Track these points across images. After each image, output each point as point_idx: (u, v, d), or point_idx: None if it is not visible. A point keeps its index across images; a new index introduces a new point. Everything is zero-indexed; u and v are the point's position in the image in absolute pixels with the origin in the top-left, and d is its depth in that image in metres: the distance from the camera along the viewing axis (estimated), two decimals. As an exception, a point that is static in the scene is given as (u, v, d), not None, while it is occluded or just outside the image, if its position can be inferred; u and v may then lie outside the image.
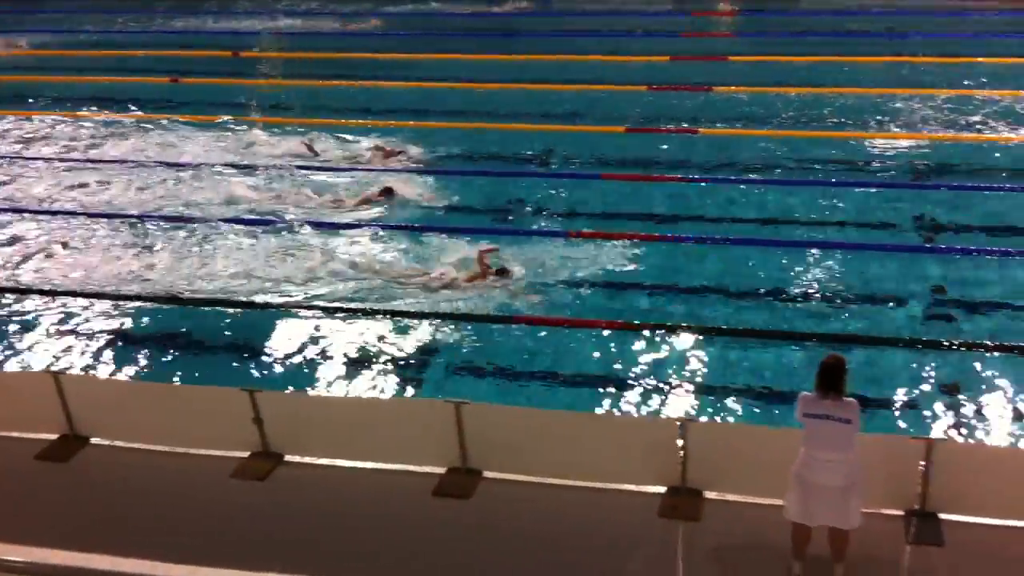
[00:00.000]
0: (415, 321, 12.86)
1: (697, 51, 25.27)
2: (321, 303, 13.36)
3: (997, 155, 17.74)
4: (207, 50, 27.84)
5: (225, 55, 27.28)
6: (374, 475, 9.41)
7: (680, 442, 8.83)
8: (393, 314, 13.02)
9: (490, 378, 11.78)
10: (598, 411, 10.92)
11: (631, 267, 13.90)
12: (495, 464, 9.29)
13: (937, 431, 10.32)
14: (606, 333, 12.33)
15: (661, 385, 11.40)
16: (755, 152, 18.16)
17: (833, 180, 16.82)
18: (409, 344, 12.44)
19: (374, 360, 12.15)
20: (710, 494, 8.85)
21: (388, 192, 16.61)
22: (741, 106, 20.87)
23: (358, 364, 12.11)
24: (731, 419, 10.75)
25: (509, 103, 21.86)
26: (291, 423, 9.68)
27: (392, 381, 11.78)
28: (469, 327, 12.70)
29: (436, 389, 11.45)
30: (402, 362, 12.14)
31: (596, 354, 12.04)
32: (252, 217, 16.13)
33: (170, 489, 9.36)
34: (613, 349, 12.08)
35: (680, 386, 11.37)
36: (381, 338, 12.56)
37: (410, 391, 11.60)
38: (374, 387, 11.68)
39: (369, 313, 13.09)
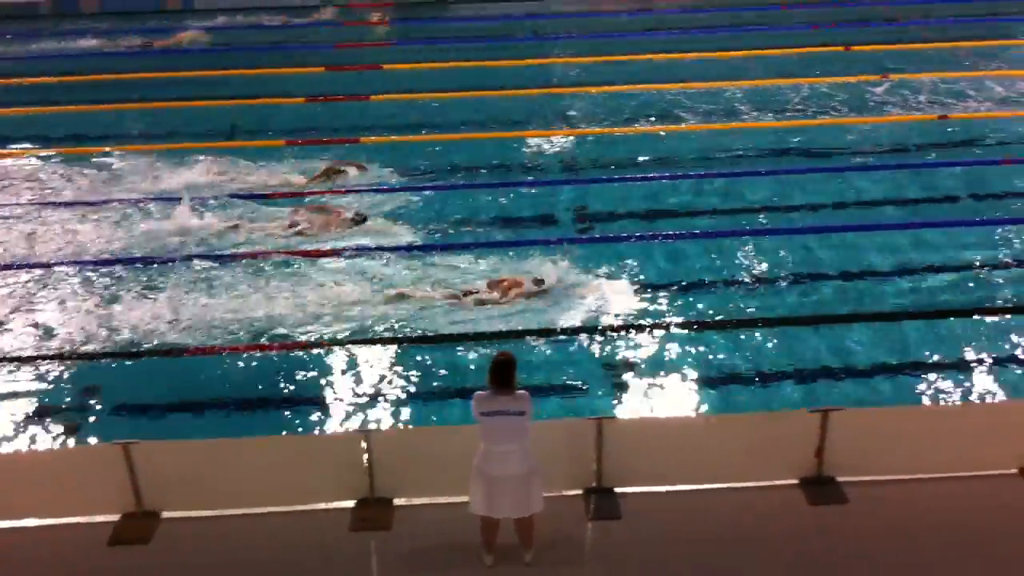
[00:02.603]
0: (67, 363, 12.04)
1: (353, 61, 25.30)
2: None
3: (646, 146, 18.97)
4: None
5: None
6: (38, 532, 8.69)
7: (366, 453, 8.79)
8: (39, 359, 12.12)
9: (160, 414, 11.24)
10: (279, 434, 10.64)
11: (310, 283, 13.64)
12: (174, 503, 8.84)
13: (607, 410, 10.84)
14: (274, 355, 12.07)
15: (341, 399, 11.31)
16: (418, 158, 18.37)
17: (497, 181, 17.33)
18: (69, 388, 11.61)
19: (28, 410, 11.24)
20: (399, 501, 8.88)
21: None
22: (400, 113, 21.11)
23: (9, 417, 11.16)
24: (413, 424, 10.87)
25: (169, 122, 20.93)
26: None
27: (50, 429, 10.93)
28: (128, 363, 12.05)
29: (103, 432, 10.72)
30: (61, 408, 11.29)
31: (265, 377, 11.74)
32: None
33: None
34: (282, 370, 11.84)
35: (360, 398, 11.32)
36: (36, 383, 11.67)
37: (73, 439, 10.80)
38: (28, 439, 10.79)
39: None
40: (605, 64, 24.43)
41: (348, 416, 11.03)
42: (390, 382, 11.57)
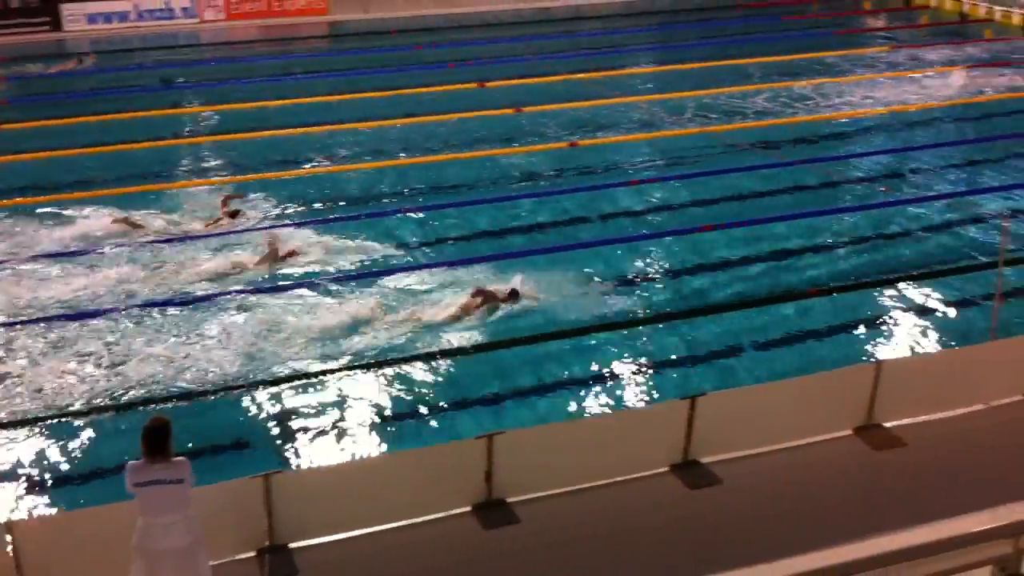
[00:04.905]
0: None
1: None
2: None
3: (300, 188, 19.03)
4: None
5: None
6: None
7: (10, 547, 7.94)
8: None
9: None
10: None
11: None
12: None
13: (276, 464, 10.58)
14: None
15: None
16: (46, 220, 17.23)
17: (156, 239, 16.50)
18: None
19: None
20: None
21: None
22: (20, 175, 19.70)
23: None
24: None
25: None
26: None
27: None
28: None
29: None
30: None
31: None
32: None
33: None
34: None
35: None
36: None
37: None
38: None
39: None
40: (245, 111, 24.10)
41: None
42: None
